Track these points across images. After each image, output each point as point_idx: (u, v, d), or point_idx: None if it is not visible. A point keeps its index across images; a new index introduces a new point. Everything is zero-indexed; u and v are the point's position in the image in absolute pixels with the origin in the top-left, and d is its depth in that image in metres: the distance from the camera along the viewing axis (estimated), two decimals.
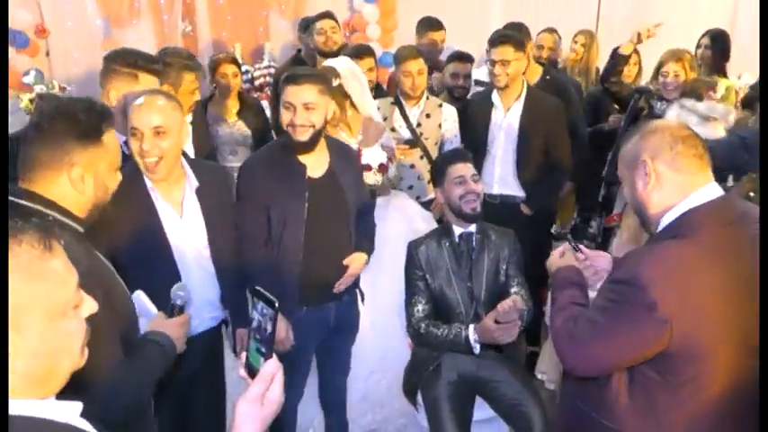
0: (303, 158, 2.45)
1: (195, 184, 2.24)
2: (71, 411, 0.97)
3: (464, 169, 2.65)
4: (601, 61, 4.58)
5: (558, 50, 4.84)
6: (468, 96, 4.03)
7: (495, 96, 3.55)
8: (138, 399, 1.61)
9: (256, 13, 5.69)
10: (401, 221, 3.21)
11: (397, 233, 3.06)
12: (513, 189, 3.57)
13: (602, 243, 3.71)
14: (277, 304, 1.10)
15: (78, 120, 1.52)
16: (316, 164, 2.48)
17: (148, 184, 2.15)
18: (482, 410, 2.67)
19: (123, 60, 2.35)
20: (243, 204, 2.44)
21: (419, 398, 2.70)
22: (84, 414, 0.98)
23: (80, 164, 1.51)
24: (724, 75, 4.17)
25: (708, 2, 5.52)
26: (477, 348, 2.48)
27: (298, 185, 2.44)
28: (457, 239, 2.65)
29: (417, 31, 4.55)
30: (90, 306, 1.00)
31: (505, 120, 3.52)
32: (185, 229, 2.23)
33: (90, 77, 4.03)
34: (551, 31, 4.70)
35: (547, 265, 1.91)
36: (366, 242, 2.67)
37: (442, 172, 2.68)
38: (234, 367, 2.88)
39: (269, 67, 5.31)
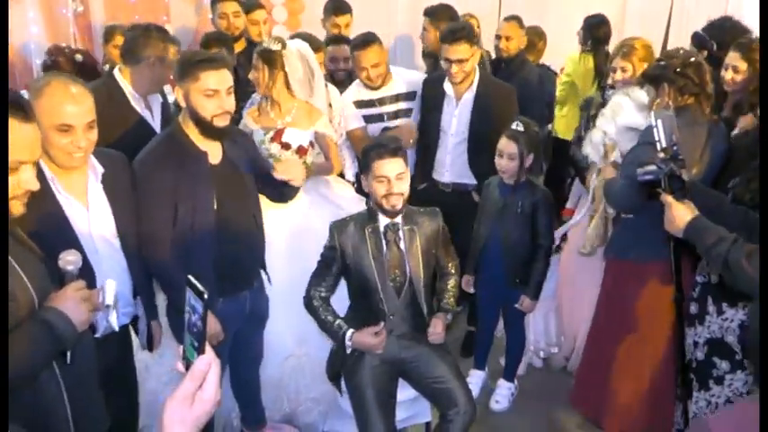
0: (202, 146, 2.39)
1: (100, 170, 2.12)
2: None
3: (390, 168, 2.50)
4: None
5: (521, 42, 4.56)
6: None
7: (447, 85, 3.47)
8: (16, 375, 1.48)
9: None
10: (324, 206, 3.18)
11: (318, 216, 3.03)
12: (466, 178, 3.53)
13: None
14: (206, 295, 1.07)
15: None
16: (213, 151, 2.43)
17: (48, 174, 2.00)
18: (406, 390, 2.70)
19: None
20: (144, 202, 2.30)
21: (343, 383, 2.69)
22: None
23: None
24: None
25: None
26: (349, 349, 2.55)
27: (203, 174, 2.37)
28: (382, 228, 2.61)
29: (324, 15, 4.47)
30: None
31: (458, 110, 3.47)
32: (93, 221, 2.11)
33: None
34: (515, 19, 4.49)
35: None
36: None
37: (367, 164, 2.56)
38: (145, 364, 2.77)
39: None
